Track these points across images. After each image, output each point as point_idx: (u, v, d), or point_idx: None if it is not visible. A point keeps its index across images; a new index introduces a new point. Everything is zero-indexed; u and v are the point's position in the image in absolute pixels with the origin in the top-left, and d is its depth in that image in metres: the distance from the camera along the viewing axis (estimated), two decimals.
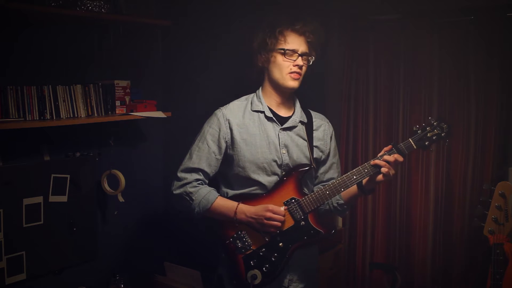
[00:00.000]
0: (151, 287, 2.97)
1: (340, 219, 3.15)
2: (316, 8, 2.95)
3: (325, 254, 2.98)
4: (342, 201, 2.17)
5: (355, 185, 2.06)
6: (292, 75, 2.10)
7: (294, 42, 2.10)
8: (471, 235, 2.76)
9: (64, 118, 2.54)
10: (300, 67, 2.11)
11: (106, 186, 2.83)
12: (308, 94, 2.94)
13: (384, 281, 3.10)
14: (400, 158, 2.00)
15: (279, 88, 2.16)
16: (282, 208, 2.05)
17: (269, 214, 2.02)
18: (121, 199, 2.86)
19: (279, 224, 2.03)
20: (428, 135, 2.02)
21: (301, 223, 2.08)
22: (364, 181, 2.06)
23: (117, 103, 2.78)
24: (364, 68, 3.05)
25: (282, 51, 2.09)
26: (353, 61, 3.08)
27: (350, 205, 2.26)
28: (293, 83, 2.12)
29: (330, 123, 2.30)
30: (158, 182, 3.21)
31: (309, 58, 2.14)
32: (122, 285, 2.76)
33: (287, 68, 2.10)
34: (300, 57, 2.10)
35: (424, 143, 2.02)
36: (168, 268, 2.96)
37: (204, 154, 2.13)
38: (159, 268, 3.00)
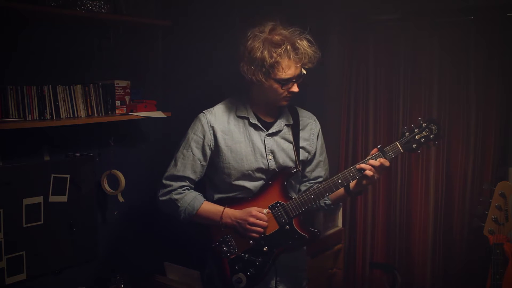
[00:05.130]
0: (151, 287, 2.97)
1: (340, 219, 3.15)
2: (316, 8, 2.95)
3: (325, 254, 2.98)
4: (329, 202, 2.16)
5: (344, 189, 2.06)
6: (287, 98, 2.07)
7: (291, 70, 1.99)
8: (471, 235, 2.76)
9: (64, 118, 2.54)
10: (297, 88, 2.05)
11: (106, 186, 2.84)
12: (308, 94, 2.94)
13: (384, 281, 3.10)
14: (386, 163, 1.95)
15: (269, 103, 2.12)
16: (265, 212, 2.05)
17: (252, 220, 2.02)
18: (121, 199, 2.86)
19: (261, 230, 2.03)
20: (416, 137, 1.98)
21: (286, 227, 2.07)
22: (351, 185, 2.04)
23: (117, 103, 2.78)
24: (364, 68, 3.05)
25: (279, 81, 2.00)
26: (353, 61, 3.08)
27: (338, 205, 2.24)
28: (286, 103, 2.09)
29: (317, 121, 2.26)
30: (158, 182, 3.20)
31: (303, 74, 2.05)
32: (122, 285, 2.76)
33: (282, 94, 2.04)
34: (295, 83, 2.03)
35: (411, 146, 1.97)
36: (168, 268, 2.97)
37: (189, 161, 2.11)
38: (159, 268, 3.00)
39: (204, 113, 2.15)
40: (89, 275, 2.83)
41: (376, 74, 3.03)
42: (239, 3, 2.84)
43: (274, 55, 1.95)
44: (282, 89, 2.02)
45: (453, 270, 2.86)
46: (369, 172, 1.94)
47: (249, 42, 2.00)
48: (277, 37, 1.98)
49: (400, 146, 1.98)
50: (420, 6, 2.81)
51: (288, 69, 1.98)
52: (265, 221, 2.03)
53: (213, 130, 2.10)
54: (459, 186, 2.83)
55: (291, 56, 1.96)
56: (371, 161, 1.95)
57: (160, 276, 2.98)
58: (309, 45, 2.00)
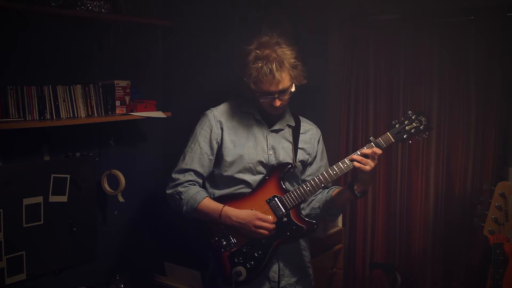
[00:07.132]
0: (151, 287, 2.97)
1: (340, 219, 3.15)
2: (316, 8, 2.95)
3: (325, 254, 2.98)
4: (334, 207, 2.19)
5: (348, 190, 2.10)
6: (271, 108, 2.13)
7: (264, 86, 2.06)
8: (471, 235, 2.76)
9: (64, 118, 2.54)
10: (279, 102, 2.09)
11: (106, 186, 2.84)
12: (308, 94, 2.94)
13: (384, 281, 3.10)
14: (379, 151, 2.02)
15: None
16: (270, 217, 2.08)
17: (258, 223, 2.05)
18: (121, 199, 2.86)
19: (266, 232, 2.06)
20: (406, 128, 2.07)
21: (284, 219, 2.11)
22: (355, 187, 2.08)
23: (117, 103, 2.78)
24: (364, 68, 3.05)
25: (254, 92, 2.09)
26: (353, 61, 3.08)
27: (342, 210, 2.31)
28: (275, 112, 2.17)
29: (318, 129, 2.34)
30: (158, 182, 3.20)
31: (290, 89, 2.09)
32: (122, 285, 2.76)
33: (264, 104, 2.13)
34: (277, 98, 2.08)
35: (402, 136, 2.06)
36: (168, 268, 2.97)
37: (197, 155, 2.17)
38: (159, 268, 3.00)
39: (211, 109, 2.24)
40: (89, 275, 2.83)
41: (376, 74, 3.03)
42: (239, 3, 2.84)
43: (250, 69, 2.05)
44: (260, 100, 2.10)
45: (453, 270, 2.86)
46: (357, 164, 2.02)
47: (242, 52, 2.11)
48: (258, 53, 2.06)
49: (392, 136, 2.06)
50: (420, 6, 2.81)
51: (261, 84, 2.06)
52: (271, 224, 2.06)
53: (220, 125, 2.18)
54: (459, 186, 2.83)
55: (259, 75, 2.04)
56: (363, 150, 2.04)
57: (160, 276, 2.98)
58: (277, 69, 2.02)
